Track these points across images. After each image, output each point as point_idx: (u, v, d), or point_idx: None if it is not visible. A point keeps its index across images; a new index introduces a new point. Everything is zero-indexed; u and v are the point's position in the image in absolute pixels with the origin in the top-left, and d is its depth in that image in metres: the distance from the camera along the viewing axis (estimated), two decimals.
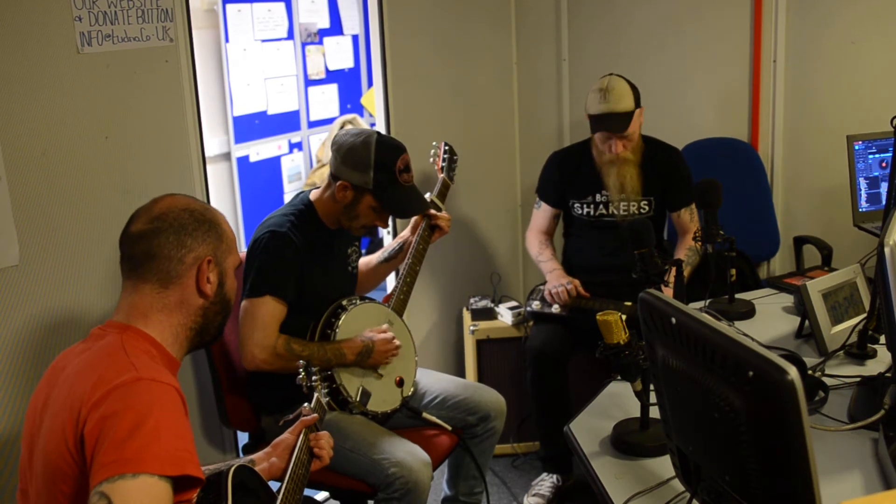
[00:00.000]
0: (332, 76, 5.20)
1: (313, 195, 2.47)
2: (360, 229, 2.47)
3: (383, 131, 3.32)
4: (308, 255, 2.38)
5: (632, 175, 2.99)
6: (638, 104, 2.95)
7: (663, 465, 1.73)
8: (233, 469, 1.58)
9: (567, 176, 3.12)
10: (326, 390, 2.03)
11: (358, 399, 2.34)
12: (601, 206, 3.06)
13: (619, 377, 2.08)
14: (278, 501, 1.68)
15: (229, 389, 2.46)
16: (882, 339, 2.21)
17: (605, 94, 2.89)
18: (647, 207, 3.05)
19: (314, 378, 1.99)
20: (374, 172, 2.35)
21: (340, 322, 2.39)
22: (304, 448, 1.83)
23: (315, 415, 1.90)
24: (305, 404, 1.93)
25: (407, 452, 2.28)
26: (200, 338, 1.64)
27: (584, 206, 3.09)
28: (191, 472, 1.38)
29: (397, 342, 2.45)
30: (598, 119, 2.93)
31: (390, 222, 3.38)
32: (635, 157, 2.99)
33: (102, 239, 2.26)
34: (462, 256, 3.74)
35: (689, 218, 3.07)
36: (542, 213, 3.22)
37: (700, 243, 2.60)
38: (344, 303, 2.45)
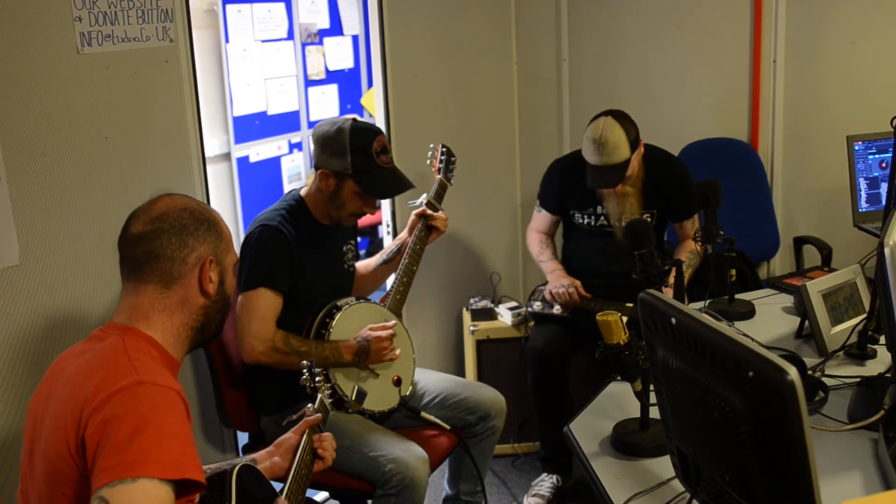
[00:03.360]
0: (332, 76, 5.20)
1: (304, 191, 2.49)
2: (349, 218, 2.47)
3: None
4: (301, 249, 2.38)
5: (632, 203, 2.96)
6: (635, 146, 2.85)
7: (663, 466, 1.73)
8: (237, 468, 1.58)
9: (568, 186, 3.09)
10: (329, 391, 2.03)
11: (353, 398, 2.34)
12: (602, 218, 3.04)
13: (619, 377, 2.08)
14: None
15: (228, 389, 2.46)
16: (882, 339, 2.21)
17: (600, 147, 2.79)
18: (649, 219, 3.00)
19: (318, 379, 1.99)
20: (351, 156, 2.36)
21: (335, 322, 2.39)
22: (307, 448, 1.83)
23: (319, 415, 1.90)
24: (309, 405, 1.93)
25: (403, 449, 2.28)
26: (201, 336, 1.64)
27: (585, 216, 3.07)
28: (192, 475, 1.38)
29: (390, 334, 2.43)
30: (594, 171, 2.87)
31: (388, 222, 3.39)
32: (636, 188, 2.95)
33: (102, 239, 2.26)
34: (462, 257, 3.74)
35: (692, 227, 3.05)
36: (542, 217, 3.21)
37: (700, 244, 2.59)
38: (339, 303, 2.46)
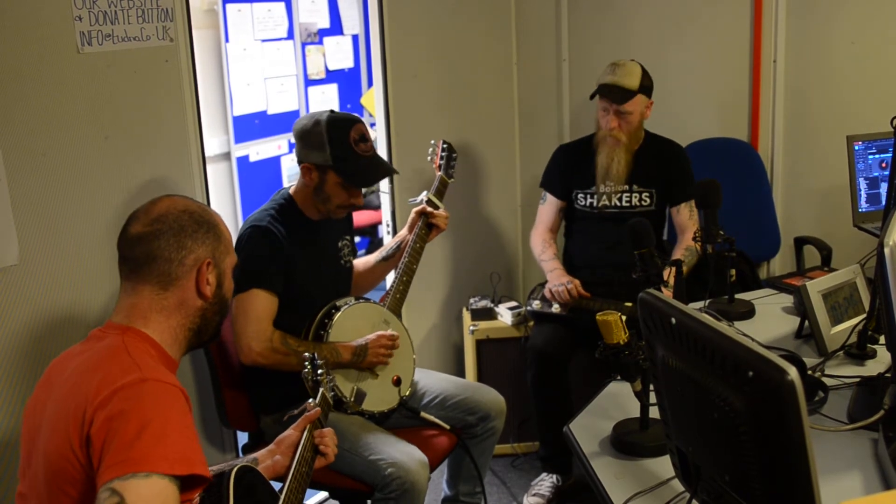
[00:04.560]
0: (332, 76, 5.20)
1: (292, 189, 2.48)
2: (338, 210, 2.46)
3: (383, 131, 3.33)
4: (293, 247, 2.38)
5: (619, 160, 3.01)
6: (645, 92, 3.00)
7: (663, 466, 1.73)
8: (235, 469, 1.58)
9: (571, 165, 3.16)
10: (331, 385, 2.02)
11: (352, 399, 2.34)
12: (604, 197, 3.07)
13: (618, 377, 2.09)
14: (281, 500, 1.68)
15: (228, 389, 2.46)
16: (882, 339, 2.21)
17: (616, 67, 3.00)
18: (648, 200, 3.06)
19: (319, 372, 1.98)
20: (329, 148, 2.35)
21: (334, 322, 2.39)
22: (308, 445, 1.83)
23: (319, 409, 1.90)
24: (310, 400, 1.93)
25: (403, 452, 2.28)
26: (198, 338, 1.65)
27: (588, 196, 3.10)
28: (198, 471, 1.39)
29: (393, 342, 2.44)
30: (601, 87, 3.01)
31: (388, 221, 3.39)
32: (629, 143, 3.02)
33: (102, 239, 2.26)
34: (462, 256, 3.74)
35: (689, 215, 3.08)
36: (547, 208, 3.23)
37: (699, 243, 2.60)
38: (338, 303, 2.45)
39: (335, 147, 2.36)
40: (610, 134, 3.00)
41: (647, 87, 3.00)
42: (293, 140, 2.45)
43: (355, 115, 2.44)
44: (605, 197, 3.07)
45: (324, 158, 2.36)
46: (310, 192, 2.42)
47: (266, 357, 2.29)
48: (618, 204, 3.06)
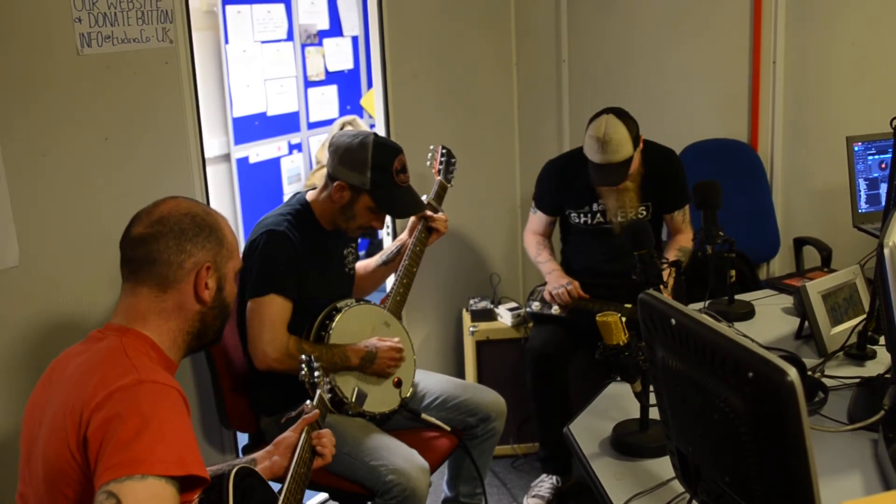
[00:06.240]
0: (331, 77, 5.20)
1: (310, 196, 2.47)
2: (356, 230, 2.47)
3: (383, 132, 3.33)
4: (305, 254, 2.38)
5: (631, 197, 2.97)
6: (637, 143, 2.86)
7: (663, 466, 1.73)
8: (234, 470, 1.58)
9: (563, 186, 3.09)
10: (329, 386, 2.02)
11: (353, 400, 2.34)
12: (598, 215, 3.04)
13: (618, 378, 2.09)
14: (280, 501, 1.68)
15: (229, 390, 2.46)
16: (881, 339, 2.21)
17: (603, 145, 2.79)
18: (644, 212, 3.03)
19: (316, 374, 1.98)
20: (371, 172, 2.35)
21: (335, 323, 2.39)
22: (306, 446, 1.83)
23: (317, 411, 1.90)
24: (308, 401, 1.93)
25: (405, 459, 2.27)
26: (198, 342, 1.64)
27: (581, 215, 3.07)
28: (195, 472, 1.38)
29: (401, 354, 2.44)
30: (598, 169, 2.87)
31: (388, 223, 3.39)
32: (635, 183, 2.96)
33: (102, 240, 2.26)
34: (462, 258, 3.75)
35: (682, 219, 3.07)
36: (538, 219, 3.21)
37: (693, 242, 2.60)
38: (339, 305, 2.45)
39: (377, 173, 2.36)
40: (616, 188, 2.91)
41: (636, 139, 2.84)
42: (329, 155, 2.42)
43: (398, 144, 2.45)
44: (599, 215, 3.04)
45: (362, 181, 2.36)
46: (335, 208, 2.41)
47: (281, 363, 2.29)
48: (615, 220, 3.02)
